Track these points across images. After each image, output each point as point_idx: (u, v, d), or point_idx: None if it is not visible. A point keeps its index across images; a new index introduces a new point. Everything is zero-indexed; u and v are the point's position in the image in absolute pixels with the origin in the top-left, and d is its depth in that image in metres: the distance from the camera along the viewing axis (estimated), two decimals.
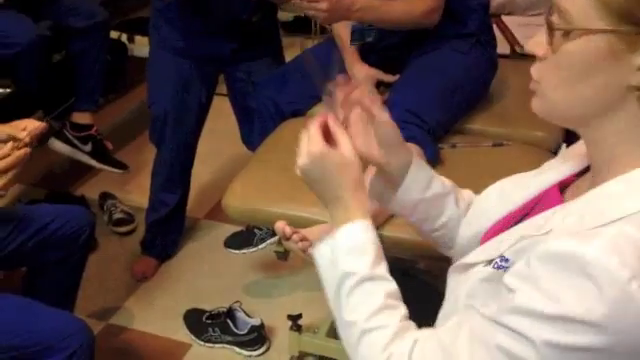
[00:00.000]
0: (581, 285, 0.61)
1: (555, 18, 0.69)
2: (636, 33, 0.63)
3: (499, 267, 0.74)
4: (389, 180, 0.96)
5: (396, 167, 0.94)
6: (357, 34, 1.81)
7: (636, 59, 0.64)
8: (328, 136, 0.85)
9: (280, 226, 1.27)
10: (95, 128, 2.36)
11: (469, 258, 0.82)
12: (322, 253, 0.84)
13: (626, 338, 0.61)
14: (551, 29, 0.69)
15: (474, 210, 0.95)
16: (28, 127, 1.31)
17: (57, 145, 2.33)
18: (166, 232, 2.24)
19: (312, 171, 0.84)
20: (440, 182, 0.99)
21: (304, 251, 1.28)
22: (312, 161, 0.83)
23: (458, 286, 0.81)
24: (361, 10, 1.61)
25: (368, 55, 1.82)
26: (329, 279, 0.82)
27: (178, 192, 2.20)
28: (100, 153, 2.36)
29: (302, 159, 0.84)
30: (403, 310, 0.80)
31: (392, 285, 0.81)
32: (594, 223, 0.65)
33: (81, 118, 2.34)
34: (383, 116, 0.91)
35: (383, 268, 0.82)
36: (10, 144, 1.25)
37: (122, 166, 2.40)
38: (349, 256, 0.81)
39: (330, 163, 0.83)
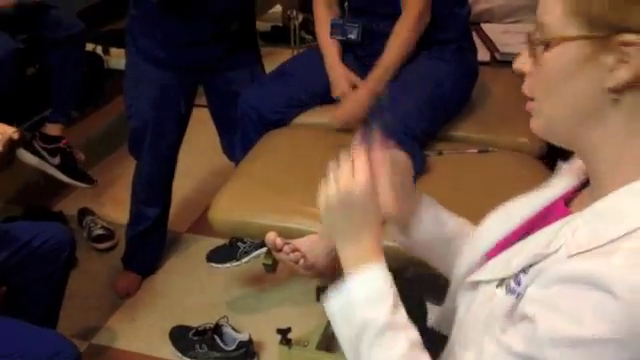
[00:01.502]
0: (602, 301, 0.61)
1: (537, 34, 0.71)
2: (606, 36, 0.66)
3: (512, 291, 0.73)
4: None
5: (408, 210, 0.94)
6: (338, 28, 1.80)
7: (607, 60, 0.66)
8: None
9: (271, 238, 1.25)
10: (65, 141, 2.31)
11: (478, 276, 0.82)
12: (334, 304, 0.80)
13: None
14: (532, 44, 0.72)
15: (479, 230, 0.94)
16: None
17: (25, 156, 2.27)
18: (148, 247, 2.20)
19: (351, 205, 0.79)
20: (451, 218, 1.00)
21: (296, 262, 1.26)
22: (358, 193, 0.78)
23: (471, 303, 0.81)
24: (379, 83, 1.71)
25: (351, 63, 1.82)
26: (346, 332, 0.78)
27: (159, 205, 2.16)
28: (69, 167, 2.31)
29: (347, 188, 0.78)
30: None
31: (414, 333, 0.77)
32: (607, 237, 0.65)
33: (52, 130, 2.29)
34: (399, 156, 0.89)
35: (403, 314, 0.78)
36: None
37: (90, 181, 2.35)
38: (367, 305, 0.77)
39: (370, 203, 0.80)
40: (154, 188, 2.14)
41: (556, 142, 0.76)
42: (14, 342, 1.26)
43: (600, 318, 0.61)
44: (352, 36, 1.80)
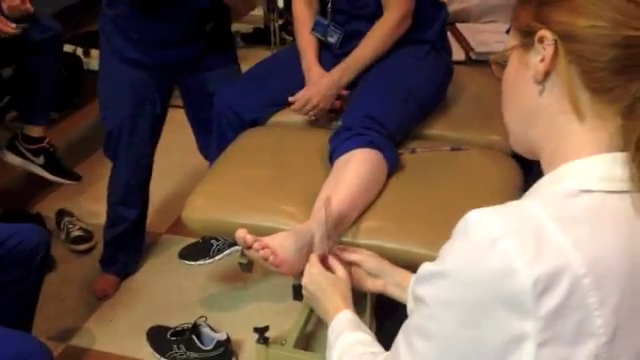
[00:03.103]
0: (457, 242, 0.67)
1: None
2: (531, 39, 0.74)
3: None
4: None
5: (396, 289, 1.10)
6: (320, 27, 1.81)
7: (533, 61, 0.74)
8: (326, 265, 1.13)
9: (241, 234, 1.25)
10: (47, 140, 2.32)
11: None
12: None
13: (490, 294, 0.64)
14: (495, 64, 0.82)
15: None
16: None
17: (9, 157, 2.30)
18: (126, 248, 2.19)
19: (311, 284, 1.10)
20: None
21: (266, 259, 1.27)
22: (311, 278, 1.10)
23: None
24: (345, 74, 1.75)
25: (328, 61, 1.83)
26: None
27: (137, 207, 2.16)
28: (53, 165, 2.32)
29: (304, 278, 1.11)
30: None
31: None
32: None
33: (33, 131, 2.30)
34: (355, 257, 1.16)
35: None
36: None
37: (75, 177, 2.36)
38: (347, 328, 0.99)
39: (324, 279, 1.09)
40: (131, 190, 2.13)
41: (525, 155, 0.81)
42: None
43: (450, 255, 0.68)
44: (332, 40, 1.80)
